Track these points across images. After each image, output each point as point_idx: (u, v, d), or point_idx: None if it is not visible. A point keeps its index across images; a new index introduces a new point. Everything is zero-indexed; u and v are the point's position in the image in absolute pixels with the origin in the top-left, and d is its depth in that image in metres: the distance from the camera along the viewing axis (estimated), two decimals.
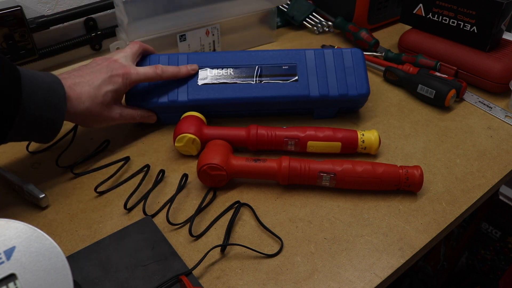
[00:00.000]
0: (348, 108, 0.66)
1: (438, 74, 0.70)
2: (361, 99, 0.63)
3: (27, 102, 0.45)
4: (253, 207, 0.52)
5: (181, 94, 0.61)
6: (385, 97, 0.72)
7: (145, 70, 0.58)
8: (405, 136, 0.64)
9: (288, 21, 0.94)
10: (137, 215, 0.51)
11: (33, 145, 0.61)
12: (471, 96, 0.72)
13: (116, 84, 0.55)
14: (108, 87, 0.54)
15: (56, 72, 0.52)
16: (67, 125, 0.56)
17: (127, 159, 0.58)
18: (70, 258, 0.45)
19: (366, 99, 0.64)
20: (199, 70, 0.63)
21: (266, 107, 0.63)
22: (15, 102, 0.44)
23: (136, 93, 0.61)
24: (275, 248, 0.47)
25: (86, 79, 0.53)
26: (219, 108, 0.63)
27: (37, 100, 0.46)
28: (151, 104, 0.61)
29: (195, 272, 0.45)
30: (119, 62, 0.57)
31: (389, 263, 0.46)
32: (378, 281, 0.44)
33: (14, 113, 0.44)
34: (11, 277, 0.29)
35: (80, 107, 0.52)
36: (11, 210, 0.52)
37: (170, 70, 0.60)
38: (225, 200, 0.53)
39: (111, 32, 0.81)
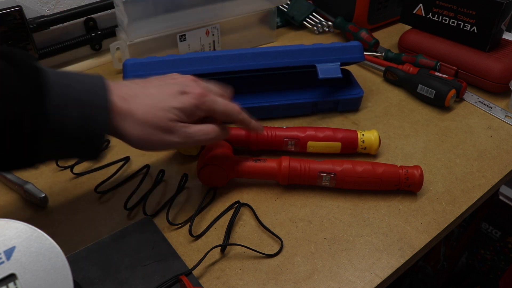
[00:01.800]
0: (349, 62, 0.67)
1: (438, 74, 0.70)
2: (357, 48, 0.65)
3: (56, 115, 0.37)
4: (253, 207, 0.52)
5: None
6: (385, 97, 0.72)
7: (225, 102, 0.48)
8: (405, 136, 0.64)
9: (288, 21, 0.94)
10: (137, 215, 0.51)
11: None
12: (471, 96, 0.72)
13: (184, 104, 0.44)
14: (174, 104, 0.44)
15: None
16: None
17: (127, 159, 0.58)
18: (70, 258, 0.45)
19: (361, 49, 0.65)
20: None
21: (265, 61, 0.63)
22: (38, 116, 0.36)
23: (137, 65, 0.60)
24: (275, 248, 0.47)
25: (150, 92, 0.44)
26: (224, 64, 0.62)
27: (68, 113, 0.38)
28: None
29: (195, 272, 0.45)
30: (198, 82, 0.47)
31: (389, 263, 0.46)
32: (378, 281, 0.44)
33: (37, 129, 0.36)
34: (11, 277, 0.29)
35: (133, 121, 0.42)
36: (11, 210, 0.52)
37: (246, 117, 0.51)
38: (225, 200, 0.53)
39: (111, 32, 0.81)
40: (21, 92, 0.35)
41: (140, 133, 0.43)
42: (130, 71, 0.59)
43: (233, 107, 0.48)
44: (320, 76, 0.62)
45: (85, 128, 0.39)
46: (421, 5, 0.77)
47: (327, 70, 0.63)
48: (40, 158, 0.39)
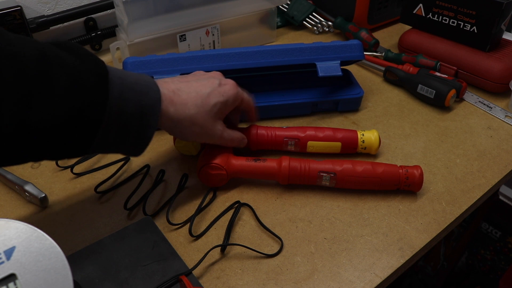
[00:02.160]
0: (349, 61, 0.66)
1: (438, 74, 0.70)
2: (357, 46, 0.65)
3: (115, 104, 0.39)
4: (253, 207, 0.52)
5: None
6: (385, 97, 0.72)
7: (248, 96, 0.54)
8: (405, 136, 0.64)
9: (288, 21, 0.94)
10: (137, 215, 0.51)
11: None
12: (471, 96, 0.72)
13: (226, 96, 0.49)
14: (219, 98, 0.49)
15: None
16: None
17: (127, 159, 0.58)
18: (70, 258, 0.45)
19: (361, 48, 0.65)
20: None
21: (265, 60, 0.63)
22: (101, 104, 0.38)
23: (137, 63, 0.60)
24: (275, 248, 0.47)
25: (194, 86, 0.48)
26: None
27: (127, 103, 0.40)
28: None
29: (195, 272, 0.45)
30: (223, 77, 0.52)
31: (389, 263, 0.46)
32: (378, 281, 0.44)
33: (100, 116, 0.38)
34: (11, 277, 0.29)
35: (184, 114, 0.46)
36: (11, 210, 0.52)
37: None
38: (225, 200, 0.53)
39: (111, 32, 0.81)
40: (87, 83, 0.37)
41: (190, 129, 0.47)
42: (130, 69, 0.59)
43: (250, 97, 0.55)
44: (320, 74, 0.62)
45: (140, 117, 0.41)
46: (421, 5, 0.77)
47: (327, 68, 0.63)
48: (91, 148, 0.40)
